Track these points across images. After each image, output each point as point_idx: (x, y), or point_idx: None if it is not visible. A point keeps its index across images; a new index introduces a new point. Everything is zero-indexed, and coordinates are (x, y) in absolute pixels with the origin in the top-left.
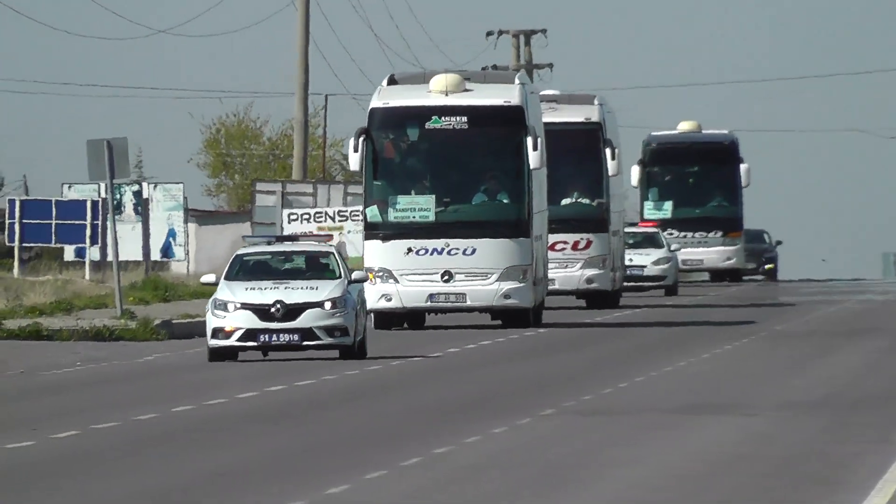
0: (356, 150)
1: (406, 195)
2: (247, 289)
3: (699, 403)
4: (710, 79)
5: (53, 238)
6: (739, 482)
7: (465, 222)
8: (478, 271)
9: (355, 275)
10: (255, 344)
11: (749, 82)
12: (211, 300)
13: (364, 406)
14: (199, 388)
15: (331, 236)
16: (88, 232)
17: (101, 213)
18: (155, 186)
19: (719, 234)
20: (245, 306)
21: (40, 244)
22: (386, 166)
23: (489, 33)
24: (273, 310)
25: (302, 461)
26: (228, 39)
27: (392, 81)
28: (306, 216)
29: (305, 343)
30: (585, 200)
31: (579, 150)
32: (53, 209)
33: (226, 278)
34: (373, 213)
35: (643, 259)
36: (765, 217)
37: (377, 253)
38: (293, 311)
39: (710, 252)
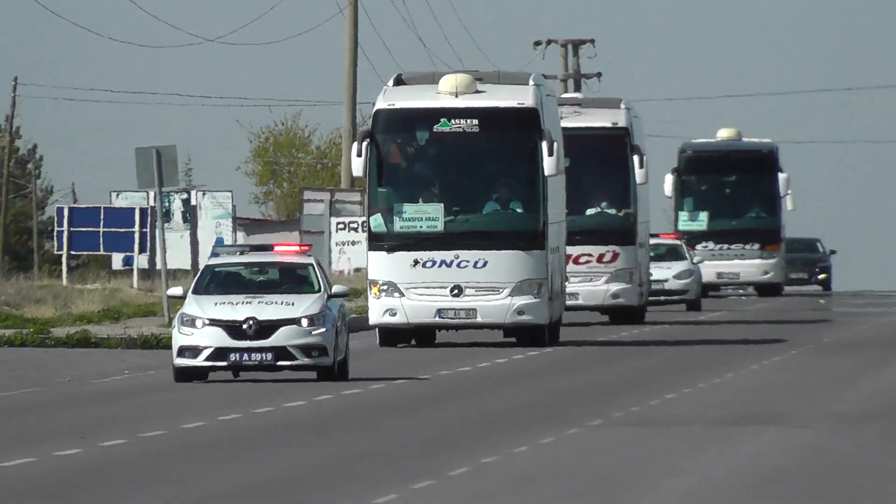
0: (359, 155)
1: (413, 203)
2: (216, 304)
3: (748, 415)
4: (761, 89)
5: (101, 246)
6: (788, 494)
7: (475, 233)
8: (489, 285)
9: (336, 288)
10: (224, 364)
11: (802, 93)
12: (178, 315)
13: (410, 417)
14: (246, 396)
15: (310, 245)
16: (136, 240)
17: (149, 221)
18: (203, 194)
19: (756, 246)
20: (214, 322)
21: (88, 252)
22: (391, 172)
23: (537, 43)
24: (245, 326)
25: (350, 470)
26: (277, 48)
27: (399, 82)
28: (354, 224)
29: (280, 363)
30: (612, 210)
31: (605, 156)
32: (102, 217)
33: (194, 292)
34: (377, 222)
35: (664, 272)
36: (819, 227)
37: (382, 265)
38: (266, 328)
39: (747, 265)
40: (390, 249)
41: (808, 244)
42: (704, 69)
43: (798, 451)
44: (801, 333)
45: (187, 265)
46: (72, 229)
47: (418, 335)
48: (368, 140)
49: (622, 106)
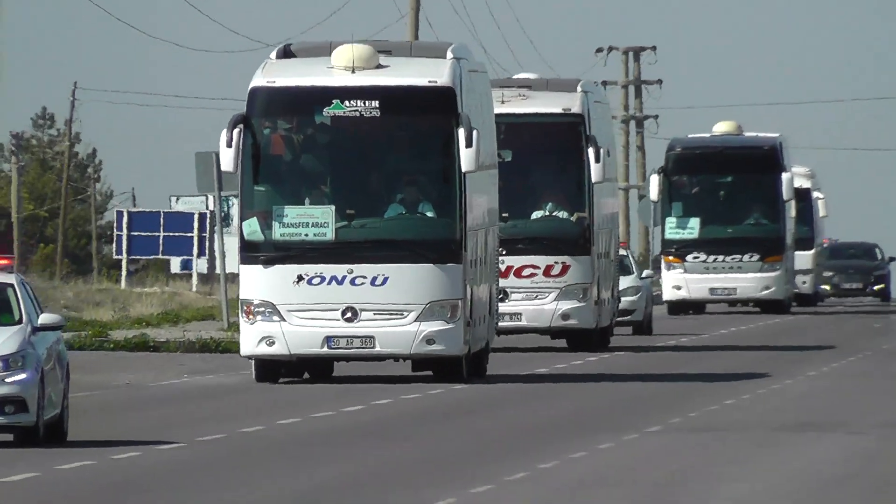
0: (230, 145)
1: (297, 205)
2: None
3: (806, 421)
4: (821, 96)
5: (161, 250)
6: (846, 501)
7: (374, 242)
8: (391, 307)
9: (45, 318)
10: None
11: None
12: None
13: (468, 423)
14: (304, 401)
15: (11, 258)
16: (196, 244)
17: (208, 225)
18: None
19: (756, 257)
20: None
21: (147, 256)
22: (270, 167)
23: (598, 50)
24: None
25: (409, 475)
26: None
27: (286, 53)
28: None
29: None
30: (562, 214)
31: (555, 149)
32: (161, 221)
33: None
34: (251, 228)
35: None
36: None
37: (257, 281)
38: None
39: (745, 279)
40: (268, 262)
41: (864, 250)
42: (766, 75)
43: (857, 458)
44: (859, 341)
45: None
46: (131, 233)
47: (310, 368)
48: (242, 126)
49: (579, 88)
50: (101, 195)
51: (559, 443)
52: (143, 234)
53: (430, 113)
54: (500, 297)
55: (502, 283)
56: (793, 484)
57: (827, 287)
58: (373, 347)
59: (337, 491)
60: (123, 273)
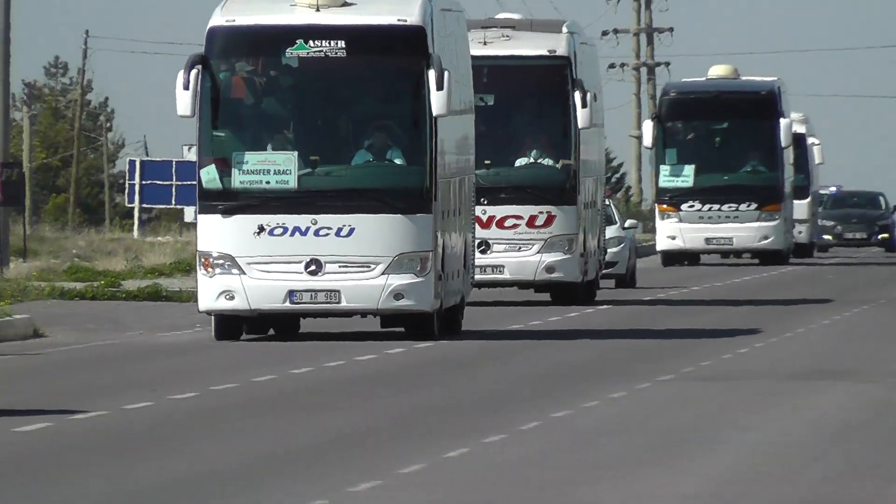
0: (186, 88)
1: (258, 151)
2: None
3: (818, 370)
4: (844, 43)
5: (173, 199)
6: (857, 449)
7: (340, 191)
8: (357, 260)
9: None
10: None
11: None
12: None
13: (478, 373)
14: (317, 350)
15: None
16: None
17: None
18: None
19: (753, 206)
20: None
21: (160, 205)
22: (229, 111)
23: None
24: None
25: (420, 425)
26: None
27: None
28: None
29: None
30: (546, 161)
31: (539, 93)
32: (174, 171)
33: None
34: (210, 176)
35: None
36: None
37: (216, 232)
38: None
39: (742, 229)
40: (227, 212)
41: (868, 199)
42: (785, 23)
43: (870, 406)
44: (873, 290)
45: None
46: (143, 182)
47: (275, 323)
48: (200, 68)
49: (564, 29)
50: (113, 144)
51: (571, 393)
52: (155, 182)
53: (399, 54)
54: (481, 248)
55: (484, 234)
56: (804, 433)
57: (829, 237)
58: (338, 302)
59: (340, 443)
60: (136, 222)
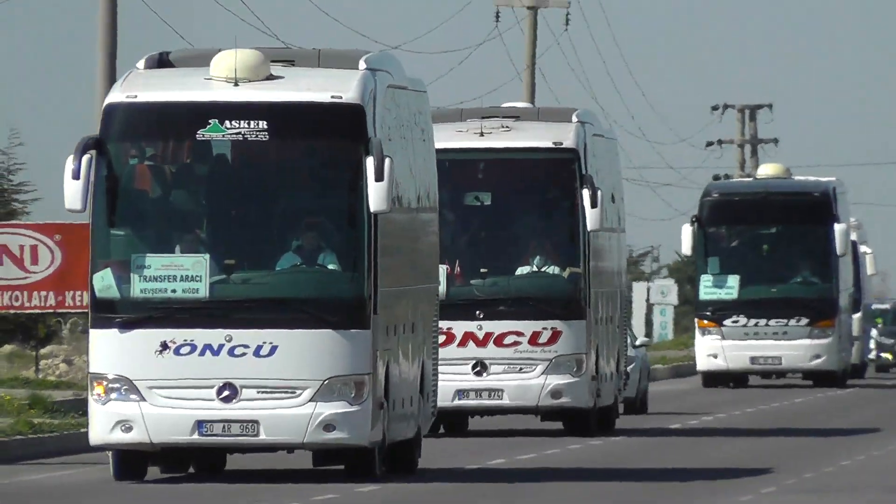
0: (76, 177)
1: (162, 254)
2: None
3: None
4: None
5: None
6: None
7: (260, 301)
8: (280, 384)
9: None
10: None
11: None
12: None
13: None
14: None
15: None
16: None
17: None
18: None
19: (804, 321)
20: None
21: None
22: (129, 205)
23: (714, 107)
24: None
25: None
26: (457, 56)
27: (161, 62)
28: None
29: None
30: (551, 269)
31: (543, 192)
32: None
33: None
34: (104, 283)
35: None
36: None
37: (111, 350)
38: None
39: (792, 347)
40: (124, 326)
41: None
42: (888, 134)
43: None
44: None
45: None
46: None
47: (193, 460)
48: (94, 153)
49: (574, 119)
50: None
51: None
52: None
53: (333, 137)
54: (476, 369)
55: (480, 352)
56: None
57: (889, 356)
58: (256, 435)
59: None
60: None
